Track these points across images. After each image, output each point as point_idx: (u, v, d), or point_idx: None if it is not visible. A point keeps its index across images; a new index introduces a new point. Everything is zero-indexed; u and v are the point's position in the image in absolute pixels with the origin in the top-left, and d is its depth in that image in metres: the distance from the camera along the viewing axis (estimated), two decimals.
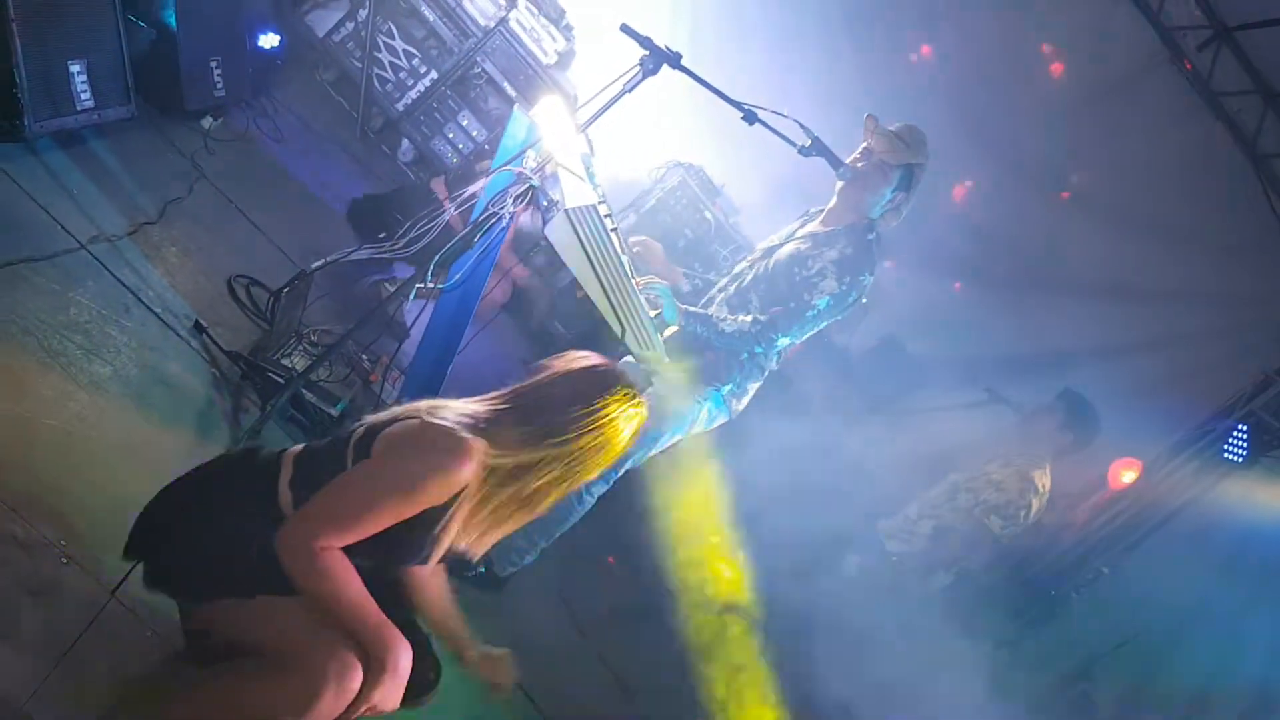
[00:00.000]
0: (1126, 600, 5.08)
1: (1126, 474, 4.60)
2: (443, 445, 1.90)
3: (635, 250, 2.79)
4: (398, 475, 1.88)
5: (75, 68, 3.11)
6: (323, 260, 3.58)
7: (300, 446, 2.06)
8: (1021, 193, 6.06)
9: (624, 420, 2.03)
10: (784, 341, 3.17)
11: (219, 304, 3.39)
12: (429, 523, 1.90)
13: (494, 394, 2.07)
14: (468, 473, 1.89)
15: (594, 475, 2.07)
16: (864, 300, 3.28)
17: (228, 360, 3.14)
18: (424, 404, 2.01)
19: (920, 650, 3.97)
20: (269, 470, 2.00)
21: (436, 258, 2.86)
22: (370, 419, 2.02)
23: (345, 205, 4.56)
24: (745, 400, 3.31)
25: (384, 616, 1.85)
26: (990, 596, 4.25)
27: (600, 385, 2.03)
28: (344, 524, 1.83)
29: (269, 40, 5.07)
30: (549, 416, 1.99)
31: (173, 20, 3.73)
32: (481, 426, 1.96)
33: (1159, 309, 6.00)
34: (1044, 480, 4.02)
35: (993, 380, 4.59)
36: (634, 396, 2.06)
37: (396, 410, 2.03)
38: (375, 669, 1.80)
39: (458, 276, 2.93)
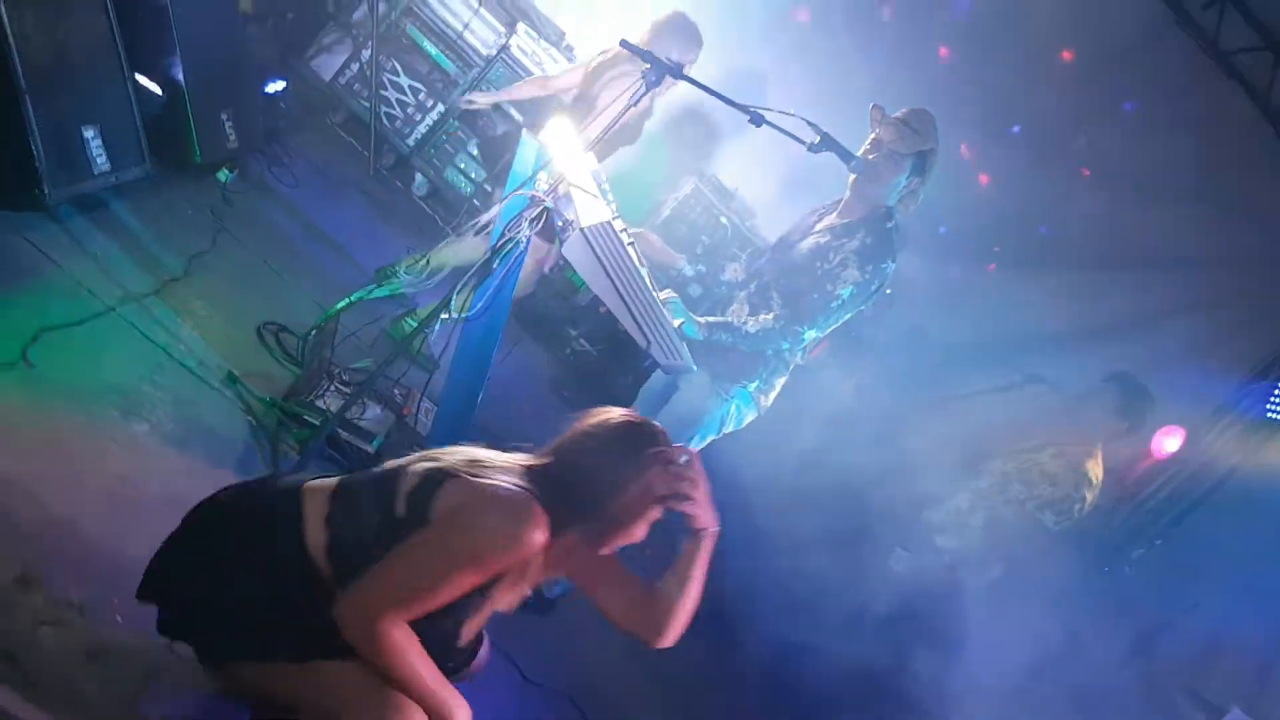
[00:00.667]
0: (1181, 571, 5.01)
1: (1170, 442, 4.52)
2: (515, 515, 1.84)
3: (630, 243, 2.79)
4: (470, 549, 1.82)
5: (89, 133, 3.17)
6: (347, 300, 3.63)
7: (333, 482, 2.00)
8: (1038, 171, 6.01)
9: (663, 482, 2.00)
10: (811, 335, 3.16)
11: (250, 353, 3.43)
12: (487, 585, 1.89)
13: (532, 454, 2.03)
14: (539, 539, 1.85)
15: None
16: (888, 290, 3.26)
17: (263, 407, 3.17)
18: (461, 458, 1.95)
19: (987, 644, 3.90)
20: (290, 509, 1.93)
21: (458, 287, 2.88)
22: (415, 468, 1.94)
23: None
24: (773, 395, 3.30)
25: (443, 677, 1.84)
26: (1043, 585, 4.18)
27: (639, 446, 2.00)
28: (413, 603, 1.79)
29: (275, 86, 5.14)
30: (594, 486, 1.96)
31: (181, 77, 3.78)
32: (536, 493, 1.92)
33: (1186, 275, 5.91)
34: (1097, 470, 3.93)
35: (1024, 360, 4.52)
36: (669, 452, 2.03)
37: (438, 461, 1.94)
38: None
39: (480, 304, 2.94)
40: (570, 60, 5.85)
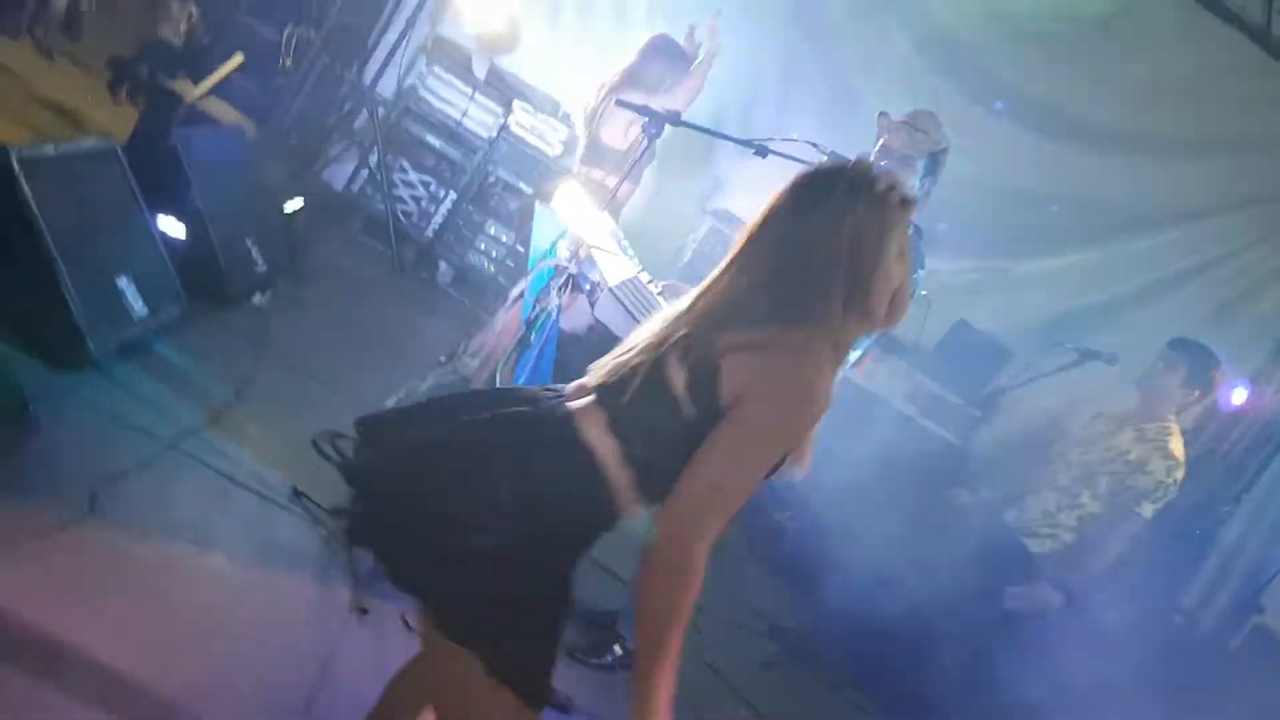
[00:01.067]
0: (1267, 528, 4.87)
1: (1238, 394, 4.39)
2: (822, 389, 1.63)
3: (659, 293, 2.81)
4: (783, 435, 1.62)
5: (123, 282, 3.27)
6: (394, 396, 3.67)
7: (589, 402, 1.71)
8: (1046, 144, 5.96)
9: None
10: (854, 355, 3.15)
11: (309, 464, 3.46)
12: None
13: (734, 276, 1.73)
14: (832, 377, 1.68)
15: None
16: (924, 293, 3.24)
17: (331, 517, 3.20)
18: (702, 328, 1.68)
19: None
20: (567, 432, 1.67)
21: (500, 364, 2.92)
22: (669, 362, 1.65)
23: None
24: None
25: None
26: (1152, 574, 4.06)
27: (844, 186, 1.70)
28: (730, 507, 1.58)
29: (294, 205, 5.27)
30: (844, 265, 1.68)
31: (201, 214, 3.90)
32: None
33: (1215, 226, 5.80)
34: (1179, 448, 3.79)
35: (1072, 337, 4.44)
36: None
37: (687, 345, 1.65)
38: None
39: (524, 378, 2.98)
40: (569, 126, 5.95)
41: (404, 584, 1.70)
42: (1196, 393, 3.85)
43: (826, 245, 1.67)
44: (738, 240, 1.76)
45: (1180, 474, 3.75)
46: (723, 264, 1.76)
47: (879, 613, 3.98)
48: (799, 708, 3.95)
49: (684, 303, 1.76)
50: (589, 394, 1.73)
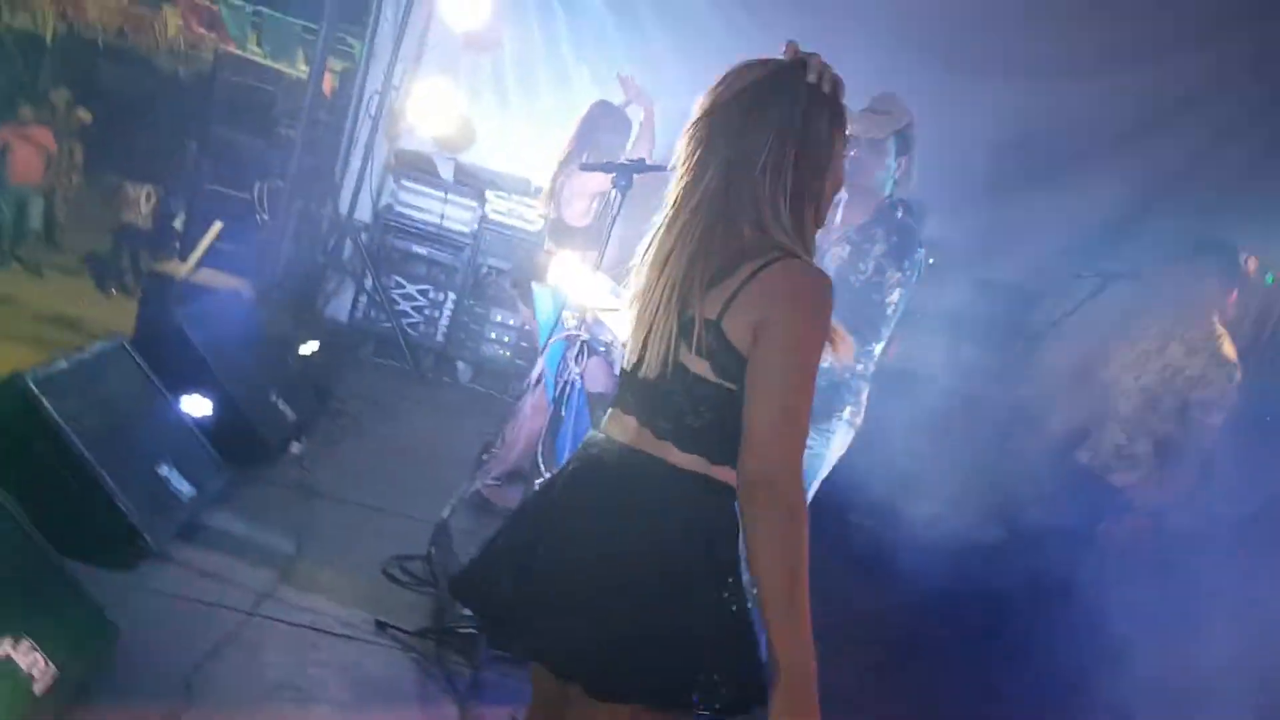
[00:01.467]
0: None
1: (1270, 275, 4.31)
2: (821, 273, 1.66)
3: None
4: (816, 330, 1.62)
5: (164, 469, 3.33)
6: (448, 506, 3.70)
7: (633, 422, 1.72)
8: (1007, 85, 5.95)
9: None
10: (879, 347, 3.13)
11: (386, 593, 3.50)
12: None
13: (686, 224, 1.69)
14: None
15: None
16: (930, 260, 3.23)
17: (419, 640, 3.22)
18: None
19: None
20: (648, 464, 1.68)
21: (540, 447, 2.94)
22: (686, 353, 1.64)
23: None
24: (863, 411, 3.25)
25: None
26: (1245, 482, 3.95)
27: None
28: (805, 428, 1.58)
29: (307, 348, 5.36)
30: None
31: (221, 383, 3.97)
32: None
33: (1194, 117, 5.73)
34: (1230, 349, 3.72)
35: (1092, 263, 4.37)
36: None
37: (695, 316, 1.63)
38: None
39: (566, 453, 2.99)
40: None
41: (562, 666, 1.64)
42: (1234, 293, 3.77)
43: (776, 154, 1.63)
44: (676, 178, 1.72)
45: (1238, 375, 3.68)
46: (669, 211, 1.72)
47: (985, 585, 3.92)
48: (919, 706, 3.88)
49: (651, 288, 1.71)
50: (627, 421, 1.74)
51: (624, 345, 1.83)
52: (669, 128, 4.54)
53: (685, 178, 1.70)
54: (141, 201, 7.74)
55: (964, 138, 5.74)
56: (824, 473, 3.22)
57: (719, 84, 1.69)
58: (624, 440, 1.72)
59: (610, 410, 1.81)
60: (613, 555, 1.63)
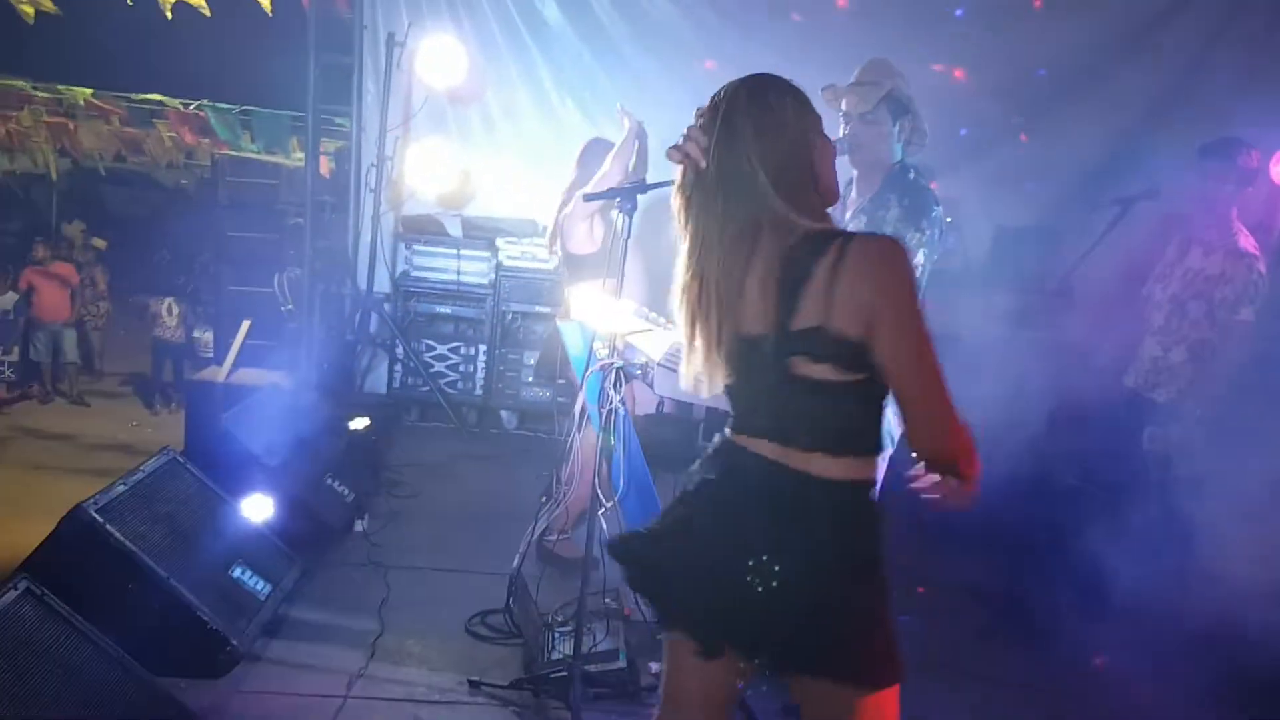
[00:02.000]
0: None
1: None
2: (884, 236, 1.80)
3: None
4: (915, 292, 1.73)
5: (237, 572, 3.37)
6: (518, 556, 3.71)
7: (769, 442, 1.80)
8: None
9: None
10: None
11: (475, 652, 3.51)
12: None
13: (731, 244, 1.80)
14: None
15: None
16: (949, 219, 3.20)
17: (514, 693, 3.22)
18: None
19: None
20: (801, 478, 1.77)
21: (595, 480, 2.94)
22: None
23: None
24: None
25: None
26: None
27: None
28: (946, 382, 1.69)
29: (358, 423, 5.42)
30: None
31: (280, 476, 4.02)
32: None
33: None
34: (1248, 241, 3.67)
35: (1112, 192, 4.30)
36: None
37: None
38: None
39: (623, 482, 2.99)
40: None
41: (838, 671, 1.74)
42: (1241, 182, 3.73)
43: (800, 152, 1.80)
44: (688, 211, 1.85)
45: (1261, 265, 3.63)
46: (698, 249, 1.82)
47: (1065, 531, 3.87)
48: (1024, 664, 3.81)
49: (718, 325, 1.81)
50: (760, 444, 1.80)
51: (698, 377, 1.87)
52: (661, 141, 4.55)
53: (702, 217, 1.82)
54: (164, 314, 7.89)
55: (960, 87, 5.72)
56: (890, 451, 3.19)
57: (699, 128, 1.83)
58: (772, 458, 1.78)
59: (734, 436, 1.87)
60: (828, 564, 1.74)
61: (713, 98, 1.84)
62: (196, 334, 8.03)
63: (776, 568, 1.71)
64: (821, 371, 1.71)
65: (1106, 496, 3.99)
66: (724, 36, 6.03)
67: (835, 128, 3.19)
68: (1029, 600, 4.11)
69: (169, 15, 5.59)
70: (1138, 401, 3.89)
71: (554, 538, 4.12)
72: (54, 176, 12.82)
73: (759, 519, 1.76)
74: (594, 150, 4.33)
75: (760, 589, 1.71)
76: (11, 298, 7.12)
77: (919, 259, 3.03)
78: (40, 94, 10.98)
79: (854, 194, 3.29)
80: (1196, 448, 3.68)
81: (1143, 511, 3.72)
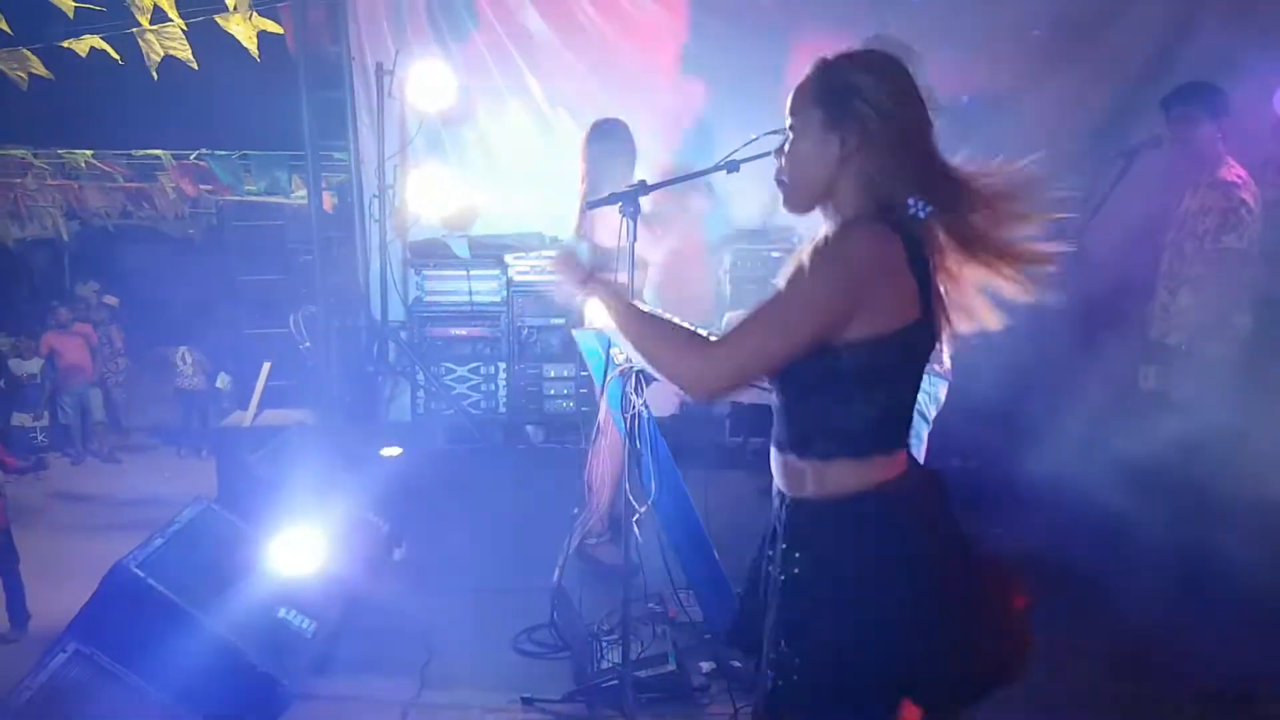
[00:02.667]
0: None
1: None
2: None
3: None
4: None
5: (281, 612, 3.38)
6: (557, 569, 3.71)
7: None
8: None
9: None
10: None
11: (525, 668, 3.52)
12: None
13: None
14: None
15: None
16: None
17: (568, 705, 3.23)
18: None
19: None
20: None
21: (625, 487, 2.94)
22: None
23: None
24: (945, 355, 3.19)
25: None
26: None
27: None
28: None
29: (390, 451, 5.43)
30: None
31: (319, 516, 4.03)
32: None
33: None
34: (1232, 172, 3.66)
35: (1116, 145, 4.26)
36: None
37: None
38: None
39: (653, 484, 2.98)
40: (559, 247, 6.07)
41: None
42: (1222, 120, 3.72)
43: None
44: None
45: (1245, 194, 3.62)
46: None
47: (1110, 495, 3.83)
48: (1078, 631, 3.77)
49: None
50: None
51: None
52: (656, 139, 4.56)
53: None
54: (179, 363, 7.95)
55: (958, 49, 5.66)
56: (926, 430, 3.17)
57: None
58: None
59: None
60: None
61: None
62: (219, 383, 8.10)
63: None
64: None
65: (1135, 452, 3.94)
66: (707, 31, 6.02)
67: None
68: (1074, 565, 4.07)
69: (155, 75, 5.63)
70: (1160, 351, 3.86)
71: (593, 541, 4.12)
72: (64, 238, 12.95)
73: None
74: (593, 137, 4.39)
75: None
76: (37, 363, 7.20)
77: None
78: (40, 162, 11.10)
79: None
80: (1188, 384, 3.64)
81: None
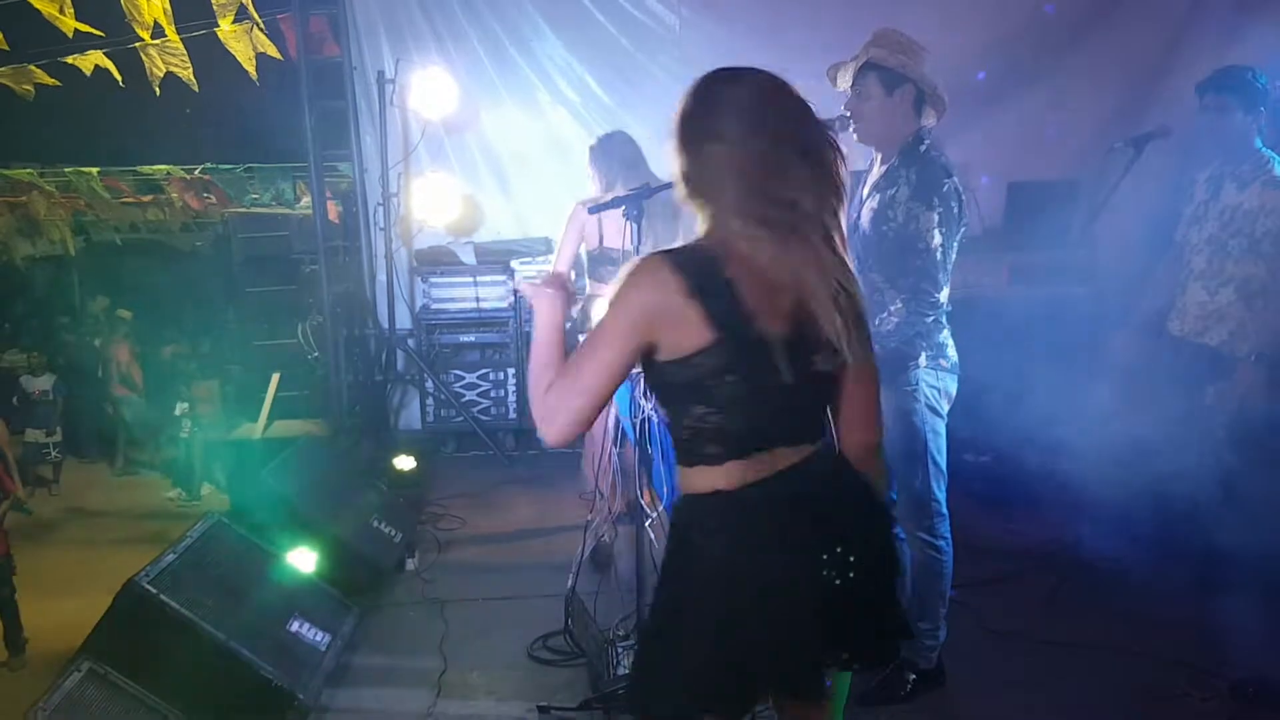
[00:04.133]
0: None
1: None
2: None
3: None
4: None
5: (294, 625, 3.37)
6: (571, 574, 3.69)
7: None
8: None
9: None
10: (944, 292, 3.03)
11: (540, 676, 3.50)
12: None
13: None
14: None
15: None
16: (964, 196, 3.12)
17: (584, 713, 3.20)
18: None
19: None
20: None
21: (636, 489, 2.92)
22: None
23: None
24: (950, 349, 3.15)
25: None
26: None
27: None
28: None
29: (404, 463, 5.45)
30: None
31: (324, 528, 4.03)
32: None
33: None
34: None
35: (1123, 134, 4.21)
36: None
37: None
38: None
39: (666, 489, 2.96)
40: None
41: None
42: (1261, 111, 3.62)
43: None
44: None
45: None
46: None
47: (1129, 490, 3.78)
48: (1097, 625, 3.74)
49: None
50: None
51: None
52: (656, 137, 4.52)
53: None
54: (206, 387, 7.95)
55: (958, 47, 5.63)
56: (942, 424, 3.13)
57: None
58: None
59: None
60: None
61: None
62: (176, 410, 8.06)
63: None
64: None
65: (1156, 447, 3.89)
66: (705, 32, 6.00)
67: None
68: (1094, 563, 4.04)
69: (157, 90, 5.64)
70: (1186, 349, 3.77)
71: (607, 538, 4.09)
72: (71, 253, 12.99)
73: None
74: (603, 148, 4.37)
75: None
76: (50, 379, 7.18)
77: (935, 241, 2.94)
78: (46, 182, 11.14)
79: (874, 168, 3.22)
80: (1261, 386, 3.55)
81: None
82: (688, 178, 1.75)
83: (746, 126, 1.69)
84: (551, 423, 1.72)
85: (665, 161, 1.82)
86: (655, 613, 1.81)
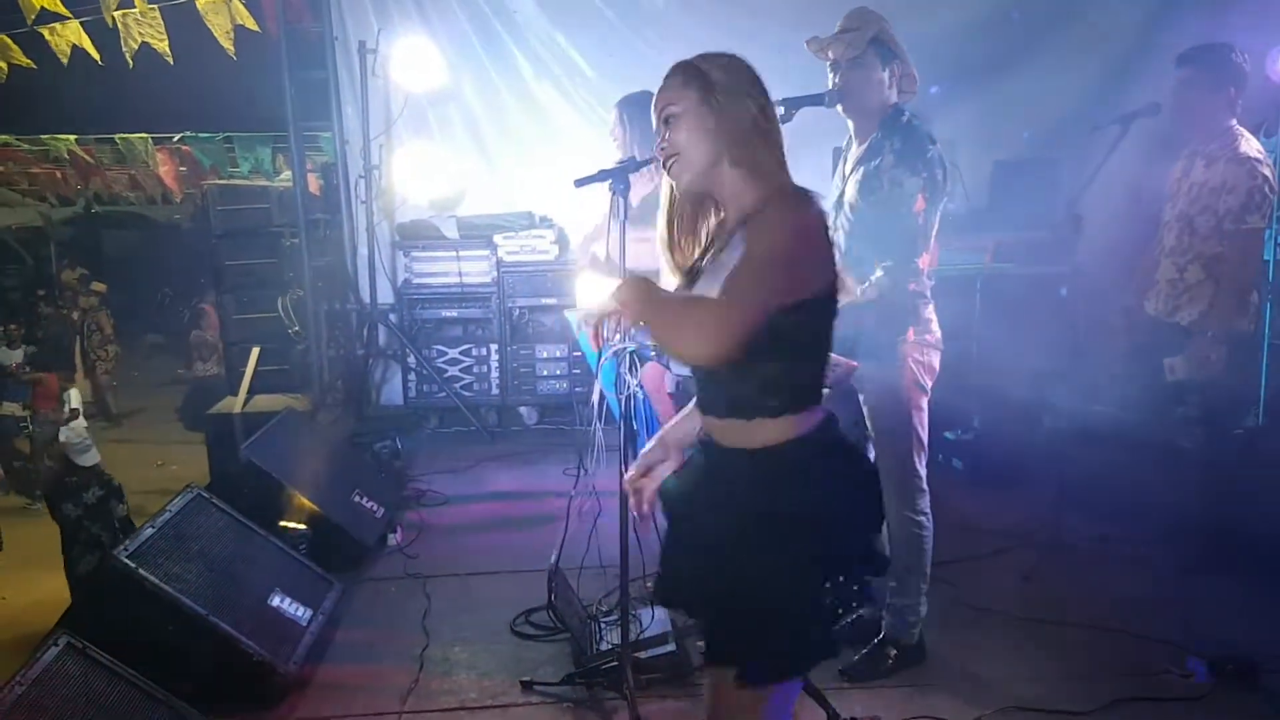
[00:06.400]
0: None
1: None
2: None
3: None
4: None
5: (275, 600, 3.35)
6: (555, 551, 3.67)
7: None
8: None
9: None
10: (924, 259, 3.03)
11: (523, 652, 3.49)
12: None
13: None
14: None
15: None
16: (948, 166, 3.12)
17: (568, 687, 3.20)
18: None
19: None
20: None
21: (621, 467, 2.90)
22: None
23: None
24: (934, 324, 3.15)
25: None
26: None
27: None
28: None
29: (383, 441, 5.42)
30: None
31: (307, 500, 4.00)
32: None
33: None
34: (1250, 146, 3.58)
35: (1109, 113, 4.22)
36: None
37: None
38: None
39: None
40: (551, 228, 6.03)
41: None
42: (1231, 89, 3.63)
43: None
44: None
45: (1266, 169, 3.53)
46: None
47: (1107, 468, 3.81)
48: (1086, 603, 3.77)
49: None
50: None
51: None
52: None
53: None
54: (209, 355, 7.88)
55: (942, 27, 5.62)
56: (925, 399, 3.13)
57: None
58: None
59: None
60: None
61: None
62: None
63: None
64: None
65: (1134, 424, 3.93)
66: (698, 10, 5.96)
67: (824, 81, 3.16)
68: (1074, 541, 4.07)
69: (130, 63, 5.55)
70: (1162, 329, 3.80)
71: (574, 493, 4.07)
72: (50, 224, 12.85)
73: None
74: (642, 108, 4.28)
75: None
76: (24, 351, 7.10)
77: (919, 206, 2.95)
78: (24, 148, 10.97)
79: (854, 146, 3.22)
80: (1220, 363, 3.58)
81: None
82: (726, 137, 1.84)
83: (763, 95, 1.88)
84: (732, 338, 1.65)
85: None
86: (778, 569, 1.74)
